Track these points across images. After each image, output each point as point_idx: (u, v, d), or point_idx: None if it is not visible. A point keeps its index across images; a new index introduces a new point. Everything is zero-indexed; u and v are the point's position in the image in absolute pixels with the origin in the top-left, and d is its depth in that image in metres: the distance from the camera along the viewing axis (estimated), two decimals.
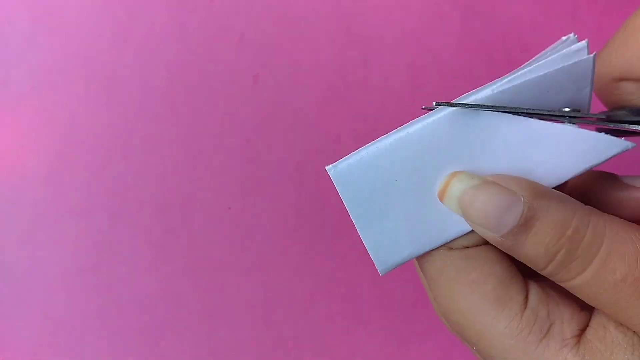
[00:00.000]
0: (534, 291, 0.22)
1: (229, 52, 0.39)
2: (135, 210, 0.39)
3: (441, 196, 0.22)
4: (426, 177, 0.22)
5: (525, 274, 0.24)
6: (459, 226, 0.23)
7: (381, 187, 0.23)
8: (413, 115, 0.40)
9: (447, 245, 0.23)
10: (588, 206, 0.21)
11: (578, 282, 0.21)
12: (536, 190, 0.21)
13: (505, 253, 0.23)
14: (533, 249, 0.21)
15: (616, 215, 0.22)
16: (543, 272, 0.21)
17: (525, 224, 0.20)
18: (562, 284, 0.21)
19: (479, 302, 0.22)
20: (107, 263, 0.39)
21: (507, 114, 0.22)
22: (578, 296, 0.21)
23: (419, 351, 0.40)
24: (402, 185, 0.23)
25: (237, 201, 0.39)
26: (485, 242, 0.23)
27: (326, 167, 0.23)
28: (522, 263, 0.24)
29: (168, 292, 0.39)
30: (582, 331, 0.21)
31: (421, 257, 0.24)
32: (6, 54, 0.38)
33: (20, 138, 0.38)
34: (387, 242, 0.23)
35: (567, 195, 0.21)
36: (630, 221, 0.22)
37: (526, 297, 0.22)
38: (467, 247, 0.23)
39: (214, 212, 0.39)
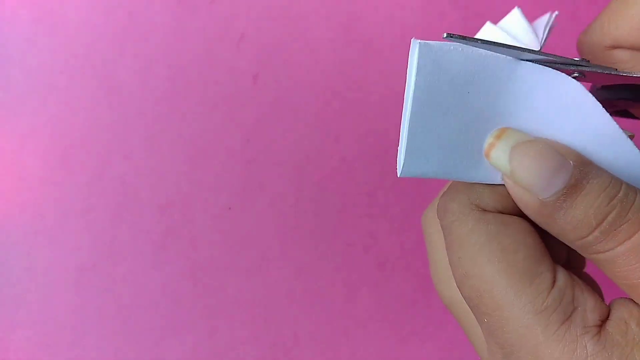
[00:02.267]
0: (562, 273, 0.21)
1: (229, 52, 0.39)
2: (136, 210, 0.39)
3: (488, 150, 0.21)
4: (484, 108, 0.21)
5: None
6: (493, 174, 0.22)
7: (453, 91, 0.21)
8: None
9: (481, 207, 0.22)
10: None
11: (624, 249, 0.20)
12: (583, 158, 0.21)
13: (535, 229, 0.22)
14: (583, 210, 0.20)
15: None
16: (584, 242, 0.20)
17: (576, 185, 0.20)
18: (601, 256, 0.20)
19: (507, 271, 0.21)
20: (107, 263, 0.39)
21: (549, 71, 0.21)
22: (613, 271, 0.21)
23: (419, 351, 0.40)
24: (469, 101, 0.21)
25: (237, 201, 0.39)
26: (518, 213, 0.22)
27: (414, 40, 0.21)
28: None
29: (168, 292, 0.39)
30: (603, 322, 0.21)
31: (451, 216, 0.22)
32: (6, 54, 0.38)
33: (21, 138, 0.38)
34: (425, 147, 0.21)
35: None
36: None
37: (554, 277, 0.21)
38: (501, 213, 0.22)
39: (214, 212, 0.39)
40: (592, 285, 0.24)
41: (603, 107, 0.22)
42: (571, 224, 0.20)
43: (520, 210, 0.22)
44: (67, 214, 0.38)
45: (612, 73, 0.22)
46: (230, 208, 0.39)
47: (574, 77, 0.22)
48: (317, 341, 0.40)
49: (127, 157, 0.39)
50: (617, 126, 0.21)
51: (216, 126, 0.39)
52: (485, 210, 0.22)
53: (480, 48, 0.20)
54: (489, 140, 0.21)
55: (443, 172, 0.22)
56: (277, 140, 0.39)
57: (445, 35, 0.20)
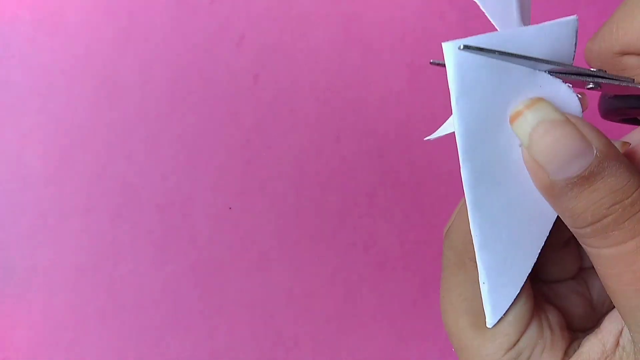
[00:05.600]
0: (530, 332, 0.23)
1: (229, 52, 0.39)
2: (136, 210, 0.39)
3: (515, 117, 0.21)
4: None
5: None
6: None
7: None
8: (413, 116, 0.40)
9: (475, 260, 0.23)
10: None
11: (610, 253, 0.20)
12: (610, 149, 0.20)
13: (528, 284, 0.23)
14: (583, 205, 0.20)
15: None
16: (578, 231, 0.21)
17: (588, 177, 0.20)
18: (590, 249, 0.21)
19: (477, 326, 0.23)
20: (108, 263, 0.39)
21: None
22: (599, 268, 0.21)
23: (418, 351, 0.40)
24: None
25: (237, 201, 0.39)
26: None
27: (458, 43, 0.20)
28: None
29: (168, 292, 0.39)
30: None
31: (447, 261, 0.24)
32: (7, 54, 0.38)
33: (22, 138, 0.38)
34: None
35: (636, 167, 0.21)
36: None
37: (520, 337, 0.23)
38: None
39: (215, 212, 0.39)
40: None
41: (614, 113, 0.22)
42: (570, 212, 0.20)
43: None
44: (68, 213, 0.38)
45: (630, 85, 0.22)
46: (230, 208, 0.39)
47: (588, 88, 0.21)
48: (317, 341, 0.40)
49: (127, 157, 0.39)
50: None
51: (216, 126, 0.39)
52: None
53: (497, 59, 0.20)
54: (518, 106, 0.21)
55: None
56: (277, 140, 0.39)
57: (461, 46, 0.20)
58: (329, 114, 0.39)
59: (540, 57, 0.21)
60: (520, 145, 0.21)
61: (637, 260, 0.20)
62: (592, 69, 0.21)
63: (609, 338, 0.22)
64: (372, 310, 0.40)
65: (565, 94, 0.21)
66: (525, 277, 0.23)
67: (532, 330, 0.23)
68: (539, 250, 0.23)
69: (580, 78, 0.21)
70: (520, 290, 0.23)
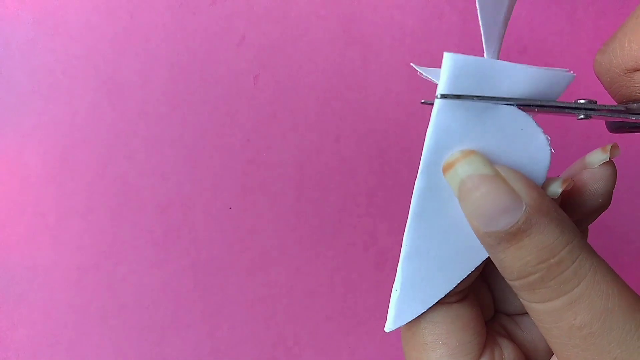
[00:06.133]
0: None
1: (229, 52, 0.39)
2: (137, 210, 0.39)
3: (446, 169, 0.21)
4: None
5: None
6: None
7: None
8: (413, 116, 0.40)
9: None
10: (585, 240, 0.20)
11: (538, 308, 0.20)
12: (542, 203, 0.20)
13: (476, 312, 0.24)
14: (510, 261, 0.20)
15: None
16: (509, 282, 0.21)
17: (514, 235, 0.19)
18: (522, 300, 0.21)
19: None
20: (108, 262, 0.39)
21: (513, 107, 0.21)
22: (532, 317, 0.21)
23: None
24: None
25: (237, 201, 0.39)
26: (459, 299, 0.24)
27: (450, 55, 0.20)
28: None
29: (169, 292, 0.39)
30: None
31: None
32: (8, 54, 0.38)
33: (23, 138, 0.38)
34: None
35: (569, 219, 0.20)
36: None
37: None
38: (439, 303, 0.23)
39: (215, 212, 0.39)
40: None
41: (621, 131, 0.22)
42: (499, 264, 0.21)
43: (463, 293, 0.24)
44: (68, 213, 0.38)
45: (621, 117, 0.22)
46: (230, 208, 0.39)
47: (580, 119, 0.21)
48: (317, 341, 0.40)
49: (127, 157, 0.39)
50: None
51: (216, 126, 0.39)
52: None
53: (478, 102, 0.20)
54: (450, 158, 0.21)
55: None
56: (277, 140, 0.39)
57: (439, 95, 0.20)
58: (329, 114, 0.39)
59: (523, 96, 0.21)
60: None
61: (562, 318, 0.20)
62: (580, 101, 0.21)
63: None
64: (372, 310, 0.40)
65: (532, 131, 0.21)
66: (435, 301, 0.23)
67: None
68: (457, 282, 0.23)
69: (569, 112, 0.21)
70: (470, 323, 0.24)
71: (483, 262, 0.23)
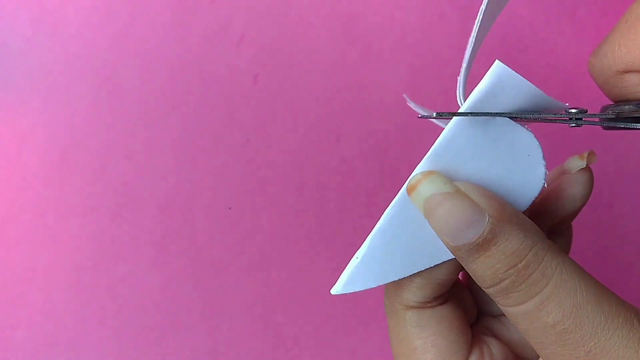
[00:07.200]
0: None
1: (229, 52, 0.39)
2: (136, 210, 0.39)
3: (410, 190, 0.22)
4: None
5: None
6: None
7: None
8: (413, 116, 0.40)
9: (404, 303, 0.24)
10: (549, 241, 0.21)
11: (514, 311, 0.21)
12: (503, 212, 0.21)
13: (460, 312, 0.25)
14: (482, 270, 0.21)
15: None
16: (485, 290, 0.22)
17: (482, 245, 0.20)
18: (499, 305, 0.22)
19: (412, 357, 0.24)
20: (108, 263, 0.39)
21: (506, 120, 0.22)
22: (510, 320, 0.22)
23: None
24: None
25: (237, 201, 0.39)
26: (441, 302, 0.24)
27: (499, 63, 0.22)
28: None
29: (168, 292, 0.39)
30: None
31: (386, 308, 0.25)
32: (6, 53, 0.38)
33: (21, 138, 0.38)
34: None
35: (533, 223, 0.21)
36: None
37: None
38: (422, 308, 0.24)
39: (214, 212, 0.39)
40: None
41: (613, 129, 0.23)
42: (472, 273, 0.22)
43: (445, 296, 0.25)
44: (67, 213, 0.38)
45: (610, 125, 0.23)
46: (230, 208, 0.39)
47: (571, 126, 0.22)
48: (317, 341, 0.40)
49: (127, 157, 0.39)
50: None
51: (216, 126, 0.39)
52: (409, 307, 0.24)
53: (476, 116, 0.22)
54: (412, 181, 0.22)
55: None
56: (277, 140, 0.39)
57: (435, 114, 0.22)
58: (329, 114, 0.39)
59: (500, 107, 0.22)
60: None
61: (537, 318, 0.20)
62: (571, 110, 0.22)
63: None
64: (372, 310, 0.40)
65: (523, 135, 0.22)
66: (386, 282, 0.24)
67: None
68: (412, 272, 0.24)
69: (561, 122, 0.22)
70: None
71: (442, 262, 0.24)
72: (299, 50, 0.39)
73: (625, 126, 0.22)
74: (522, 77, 0.21)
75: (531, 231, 0.21)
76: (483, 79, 0.22)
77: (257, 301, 0.39)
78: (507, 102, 0.22)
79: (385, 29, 0.40)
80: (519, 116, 0.22)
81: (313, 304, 0.40)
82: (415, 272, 0.24)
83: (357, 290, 0.24)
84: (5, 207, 0.38)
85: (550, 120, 0.22)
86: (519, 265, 0.20)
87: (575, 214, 0.26)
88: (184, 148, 0.39)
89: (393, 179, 0.40)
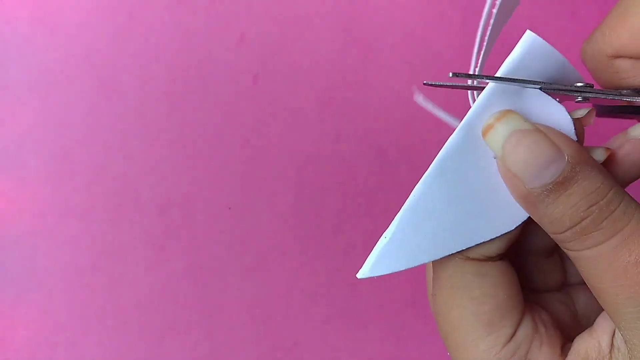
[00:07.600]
0: (525, 325, 0.23)
1: (229, 52, 0.39)
2: (135, 210, 0.39)
3: (486, 130, 0.22)
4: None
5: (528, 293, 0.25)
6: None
7: None
8: (413, 116, 0.40)
9: (465, 254, 0.23)
10: (623, 189, 0.21)
11: (591, 254, 0.21)
12: (581, 155, 0.21)
13: (514, 272, 0.24)
14: (561, 210, 0.20)
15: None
16: (557, 237, 0.21)
17: (563, 182, 0.20)
18: (572, 253, 0.21)
19: (470, 319, 0.23)
20: (107, 263, 0.39)
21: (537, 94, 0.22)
22: (583, 270, 0.21)
23: (418, 351, 0.40)
24: None
25: (237, 201, 0.39)
26: (501, 258, 0.23)
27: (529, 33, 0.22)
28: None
29: (168, 292, 0.39)
30: None
31: (437, 260, 0.24)
32: (6, 53, 0.38)
33: (20, 138, 0.38)
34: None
35: (606, 170, 0.21)
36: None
37: (516, 330, 0.23)
38: (482, 260, 0.23)
39: (214, 212, 0.39)
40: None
41: (607, 115, 0.23)
42: (549, 218, 0.21)
43: (505, 253, 0.24)
44: (67, 213, 0.38)
45: (615, 98, 0.23)
46: (230, 208, 0.39)
47: (577, 101, 0.23)
48: (317, 341, 0.40)
49: (127, 157, 0.39)
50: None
51: (216, 126, 0.39)
52: (469, 259, 0.23)
53: (488, 81, 0.22)
54: (489, 120, 0.22)
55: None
56: (277, 140, 0.39)
57: (450, 74, 0.21)
58: (329, 114, 0.39)
59: (530, 78, 0.22)
60: (494, 157, 0.22)
61: (618, 257, 0.20)
62: (579, 84, 0.22)
63: (604, 337, 0.22)
64: (371, 310, 0.40)
65: (555, 108, 0.22)
66: (417, 264, 0.23)
67: (527, 325, 0.23)
68: (447, 253, 0.23)
69: (569, 94, 0.22)
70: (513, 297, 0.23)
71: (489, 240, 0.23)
72: (299, 50, 0.39)
73: (631, 101, 0.22)
74: (552, 47, 0.21)
75: (607, 174, 0.21)
76: (514, 49, 0.22)
77: (256, 301, 0.39)
78: (537, 74, 0.22)
79: (385, 29, 0.40)
80: (550, 89, 0.22)
81: (313, 305, 0.40)
82: (450, 253, 0.23)
83: (385, 273, 0.23)
84: (5, 207, 0.38)
85: (562, 91, 0.22)
86: (601, 202, 0.20)
87: (634, 180, 0.25)
88: (183, 148, 0.39)
89: (393, 179, 0.40)
